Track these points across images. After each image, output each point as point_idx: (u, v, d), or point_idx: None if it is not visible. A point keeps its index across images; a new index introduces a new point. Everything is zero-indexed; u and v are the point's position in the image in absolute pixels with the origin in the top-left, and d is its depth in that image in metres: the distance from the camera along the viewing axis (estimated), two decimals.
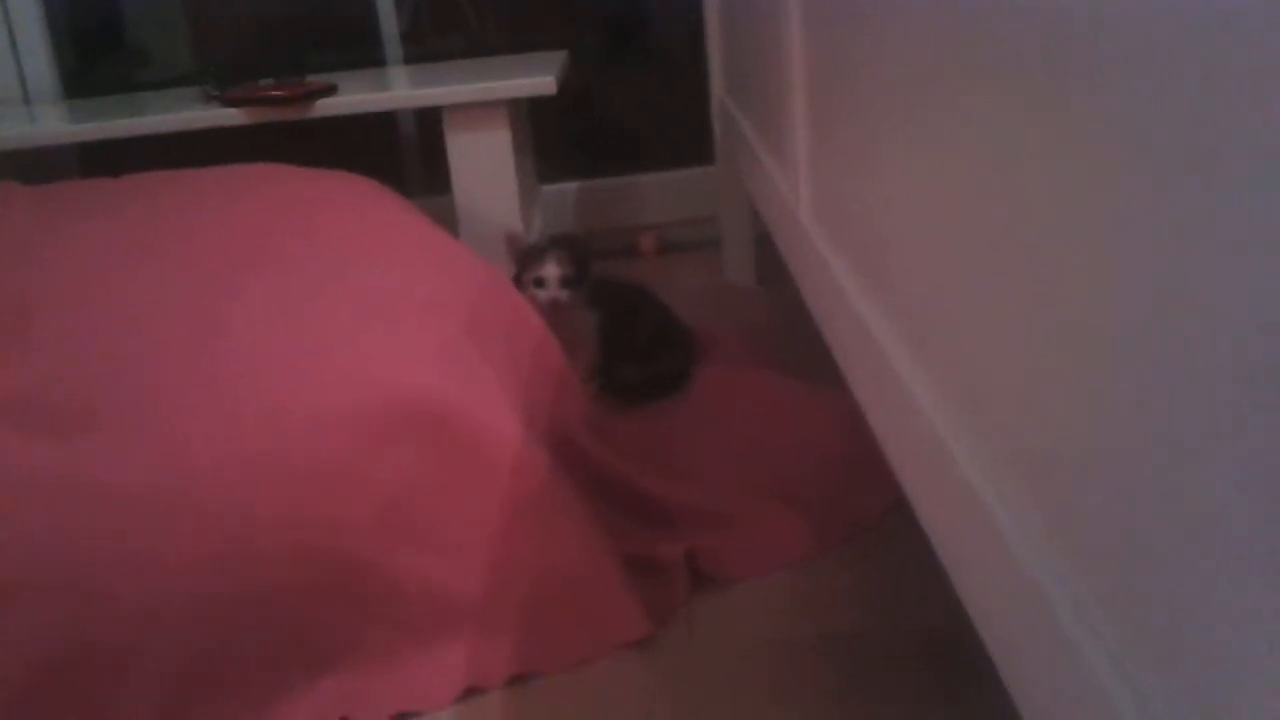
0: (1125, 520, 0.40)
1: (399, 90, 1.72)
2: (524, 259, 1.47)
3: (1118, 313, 0.38)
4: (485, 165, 1.69)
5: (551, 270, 1.43)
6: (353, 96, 1.70)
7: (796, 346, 1.60)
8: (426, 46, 2.30)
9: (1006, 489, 0.54)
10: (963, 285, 0.57)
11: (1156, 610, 0.38)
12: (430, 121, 2.28)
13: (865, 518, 1.15)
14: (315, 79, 1.84)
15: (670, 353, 1.50)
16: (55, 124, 1.78)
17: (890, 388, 0.73)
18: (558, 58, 1.93)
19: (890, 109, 0.69)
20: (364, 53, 2.28)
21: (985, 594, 0.56)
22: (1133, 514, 0.39)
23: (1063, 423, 0.45)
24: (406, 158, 2.38)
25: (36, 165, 2.09)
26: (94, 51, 2.34)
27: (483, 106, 1.66)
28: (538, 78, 1.66)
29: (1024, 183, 0.47)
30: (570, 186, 2.29)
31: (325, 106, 1.69)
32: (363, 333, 1.04)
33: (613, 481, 1.15)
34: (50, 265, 1.09)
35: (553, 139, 2.28)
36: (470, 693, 0.95)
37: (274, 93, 1.69)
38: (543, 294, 1.42)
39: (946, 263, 0.60)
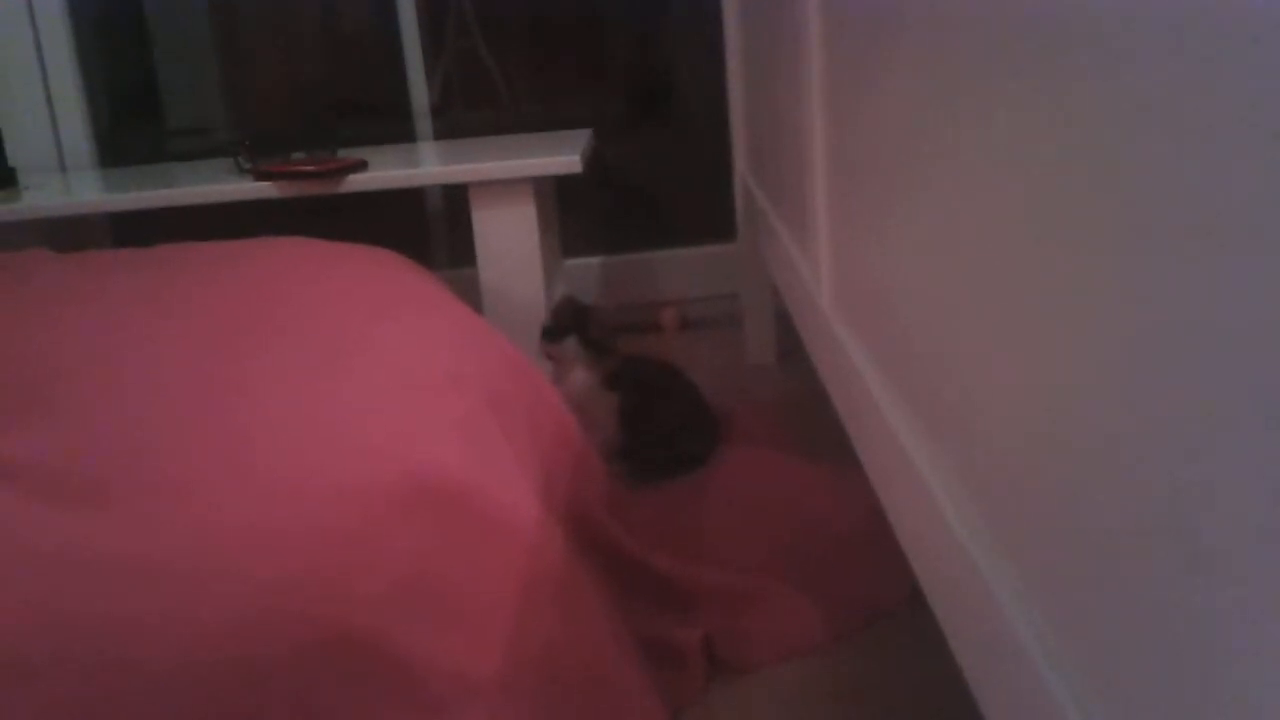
0: (1134, 621, 0.39)
1: (427, 167, 1.75)
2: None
3: (1138, 407, 0.39)
4: (510, 241, 1.71)
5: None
6: (382, 173, 1.73)
7: (817, 426, 1.59)
8: (456, 118, 2.34)
9: (1018, 582, 0.54)
10: (980, 376, 0.58)
11: (1163, 715, 0.37)
12: (457, 195, 2.32)
13: (884, 604, 1.14)
14: (346, 153, 1.88)
15: (694, 434, 1.50)
16: (90, 194, 1.82)
17: (905, 476, 0.73)
18: (583, 136, 1.97)
19: (911, 198, 0.70)
20: (395, 125, 2.33)
21: (994, 686, 0.56)
22: (1144, 616, 0.39)
23: (1077, 516, 0.45)
24: (433, 230, 2.42)
25: (71, 232, 2.13)
26: (129, 120, 2.39)
27: (509, 184, 1.69)
28: (563, 156, 1.69)
29: (1044, 273, 0.47)
30: (594, 261, 2.32)
31: (355, 182, 1.72)
32: (383, 406, 1.05)
33: (630, 563, 1.14)
34: (75, 333, 1.11)
35: (577, 214, 2.31)
36: None
37: (305, 167, 1.72)
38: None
39: (964, 352, 0.60)
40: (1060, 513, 0.47)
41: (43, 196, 1.83)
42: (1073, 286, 0.44)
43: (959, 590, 0.62)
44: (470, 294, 1.51)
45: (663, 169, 2.41)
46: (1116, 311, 0.40)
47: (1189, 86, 0.33)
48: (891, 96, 0.74)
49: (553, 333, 1.48)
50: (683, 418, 1.51)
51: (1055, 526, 0.48)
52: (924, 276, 0.69)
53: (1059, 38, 0.43)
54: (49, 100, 2.25)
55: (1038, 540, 0.51)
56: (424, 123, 2.34)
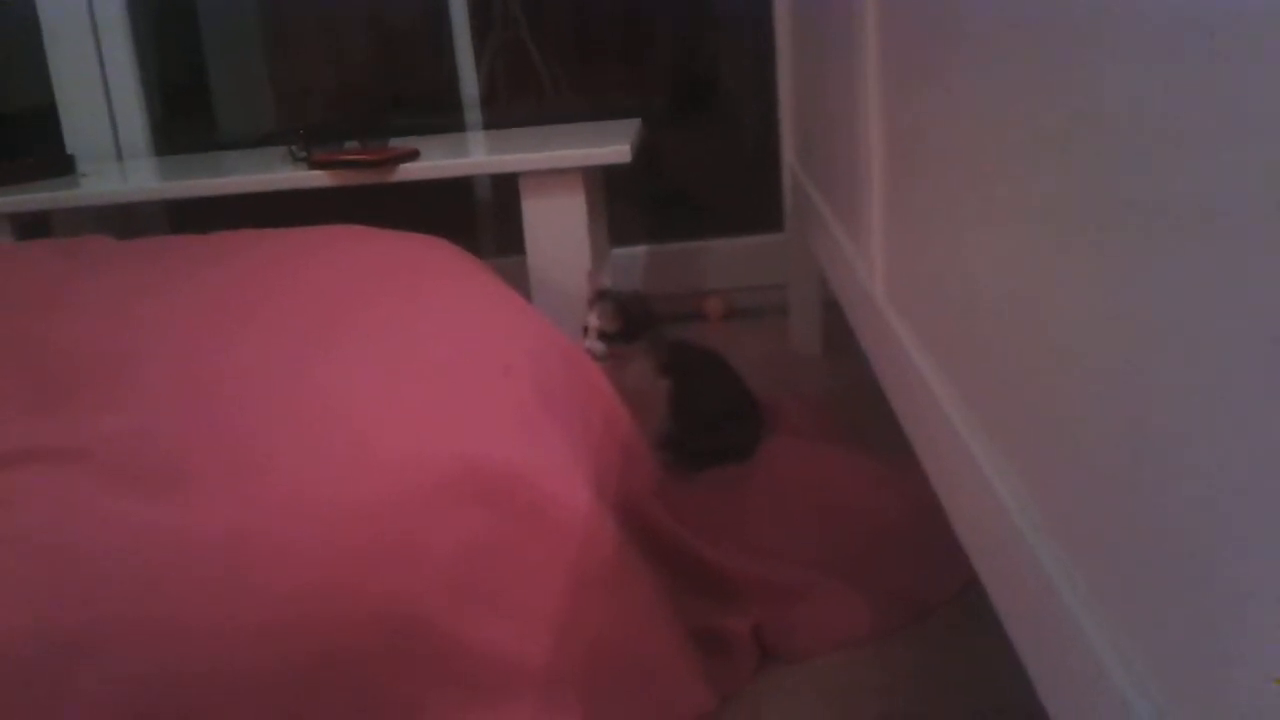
0: (1199, 610, 0.39)
1: (478, 156, 1.76)
2: (589, 301, 1.49)
3: (1207, 396, 0.38)
4: (559, 230, 1.72)
5: (592, 321, 1.44)
6: (434, 162, 1.74)
7: (864, 418, 1.59)
8: (504, 109, 2.36)
9: (1080, 573, 0.53)
10: (1040, 365, 0.57)
11: (1225, 706, 0.37)
12: (506, 184, 2.33)
13: (935, 596, 1.14)
14: (397, 143, 1.90)
15: (740, 423, 1.50)
16: (147, 181, 1.85)
17: (964, 468, 0.73)
18: (632, 125, 1.97)
19: (974, 184, 0.70)
20: (445, 115, 2.34)
21: (1054, 675, 0.56)
22: (1209, 604, 0.39)
23: (1138, 505, 0.45)
24: (481, 218, 2.43)
25: (127, 218, 2.17)
26: (181, 110, 2.43)
27: (559, 173, 1.69)
28: (613, 146, 1.69)
29: (1113, 260, 0.47)
30: (640, 249, 2.32)
31: (407, 171, 1.73)
32: (438, 393, 1.06)
33: (680, 552, 1.15)
34: (147, 322, 1.13)
35: (624, 202, 2.32)
36: None
37: (359, 156, 1.74)
38: (585, 343, 1.43)
39: (1032, 344, 0.60)
40: (1122, 502, 0.47)
41: (103, 183, 1.86)
42: (1141, 274, 0.43)
43: (1019, 581, 0.62)
44: (518, 282, 1.51)
45: (710, 158, 2.41)
46: (1185, 300, 0.39)
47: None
48: (953, 79, 0.73)
49: (627, 335, 1.45)
50: (729, 405, 1.51)
51: (1116, 517, 0.48)
52: (983, 265, 0.68)
53: (1125, 16, 0.43)
54: (106, 90, 2.29)
55: (1100, 531, 0.50)
56: (473, 113, 2.35)
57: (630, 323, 1.44)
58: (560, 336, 1.27)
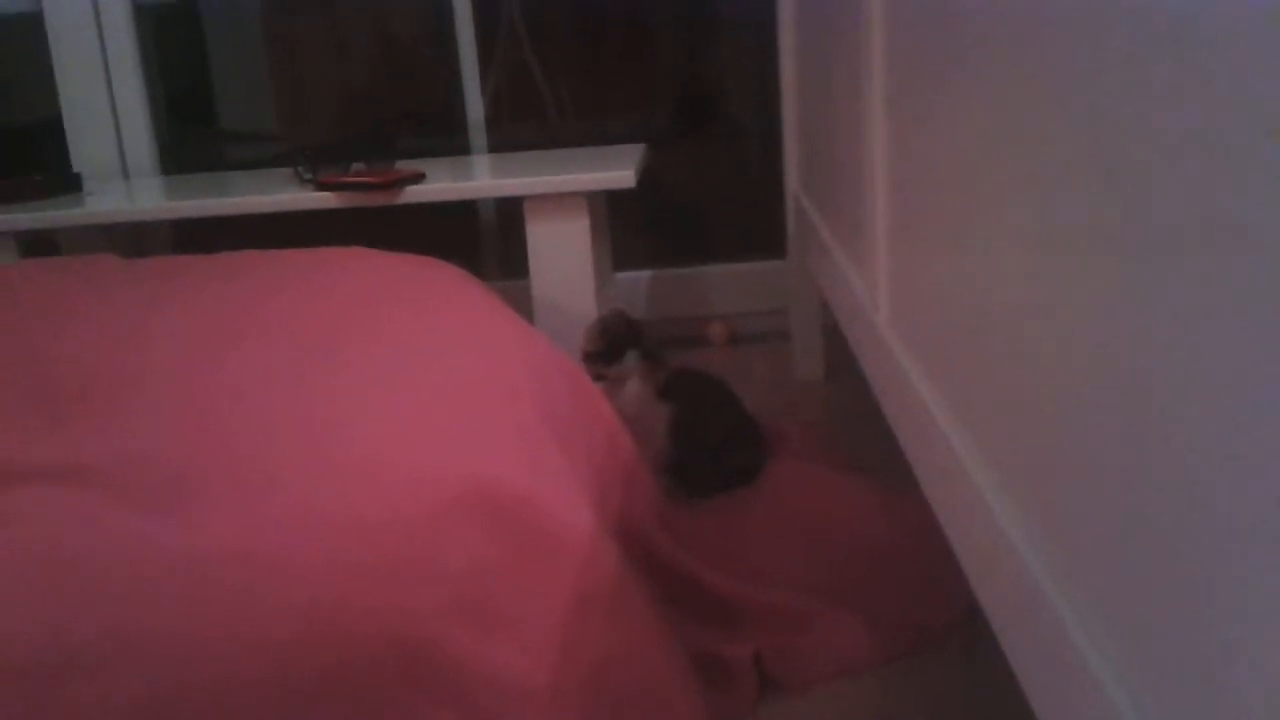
0: (1204, 638, 0.39)
1: (482, 180, 1.77)
2: None
3: (1224, 424, 0.39)
4: (563, 254, 1.73)
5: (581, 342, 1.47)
6: (439, 185, 1.75)
7: (865, 443, 1.59)
8: (509, 131, 2.37)
9: (1082, 600, 0.53)
10: (1050, 393, 0.58)
11: None
12: (510, 207, 2.34)
13: (935, 624, 1.14)
14: (403, 165, 1.91)
15: (741, 447, 1.50)
16: (152, 200, 1.86)
17: (965, 494, 0.73)
18: (636, 150, 1.98)
19: (979, 209, 0.70)
20: (450, 137, 2.36)
21: (1057, 705, 0.56)
22: (1214, 633, 0.39)
23: (1144, 535, 0.45)
24: (485, 241, 2.44)
25: (133, 237, 2.18)
26: (187, 130, 2.44)
27: (563, 198, 1.70)
28: (617, 171, 1.70)
29: (1126, 288, 0.47)
30: (643, 274, 2.33)
31: (413, 193, 1.74)
32: (445, 418, 1.06)
33: (681, 577, 1.15)
34: (152, 339, 1.13)
35: (627, 227, 2.33)
36: None
37: (365, 179, 1.75)
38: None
39: (1034, 369, 0.60)
40: (1126, 531, 0.47)
41: (109, 202, 1.87)
42: (1152, 300, 0.44)
43: (1020, 607, 0.62)
44: (522, 306, 1.52)
45: (713, 183, 2.42)
46: (1198, 329, 0.40)
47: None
48: (959, 103, 0.74)
49: (609, 354, 1.47)
50: (730, 430, 1.51)
51: (1120, 545, 0.48)
52: (986, 291, 0.69)
53: (1139, 41, 0.44)
54: (113, 108, 2.30)
55: (1103, 559, 0.51)
56: (479, 135, 2.36)
57: (613, 342, 1.46)
58: (563, 359, 1.28)
